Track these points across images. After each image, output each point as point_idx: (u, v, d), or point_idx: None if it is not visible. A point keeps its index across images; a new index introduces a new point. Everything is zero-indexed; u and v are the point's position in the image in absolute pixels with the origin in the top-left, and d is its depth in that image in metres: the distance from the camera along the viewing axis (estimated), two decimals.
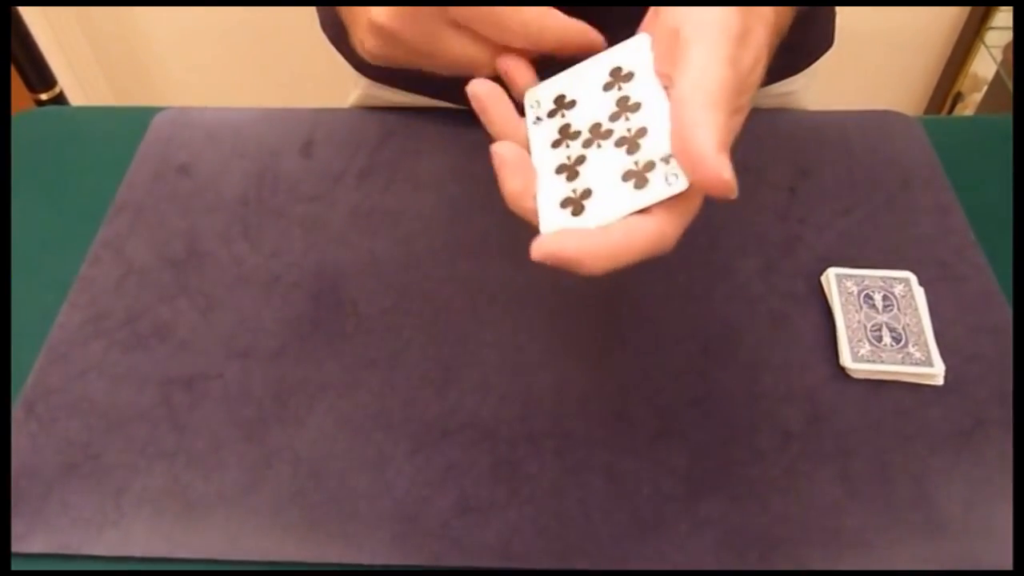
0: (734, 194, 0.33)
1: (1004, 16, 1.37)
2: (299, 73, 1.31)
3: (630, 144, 0.37)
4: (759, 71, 0.37)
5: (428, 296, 0.58)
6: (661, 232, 0.34)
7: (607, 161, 0.37)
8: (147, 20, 1.43)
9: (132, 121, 0.72)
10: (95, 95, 1.53)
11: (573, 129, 0.39)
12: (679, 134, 0.34)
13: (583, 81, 0.40)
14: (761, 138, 0.67)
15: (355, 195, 0.64)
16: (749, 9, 0.37)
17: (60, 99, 1.30)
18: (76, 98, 1.42)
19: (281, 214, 0.63)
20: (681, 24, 0.36)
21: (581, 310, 0.57)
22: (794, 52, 0.70)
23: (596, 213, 0.36)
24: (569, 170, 0.38)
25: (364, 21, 0.43)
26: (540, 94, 0.41)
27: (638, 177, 0.36)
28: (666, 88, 0.38)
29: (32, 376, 0.54)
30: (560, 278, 0.59)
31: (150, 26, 1.44)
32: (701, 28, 0.35)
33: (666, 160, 0.35)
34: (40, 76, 1.26)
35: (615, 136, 0.38)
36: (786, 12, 0.43)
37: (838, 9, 0.72)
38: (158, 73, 1.51)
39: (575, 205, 0.37)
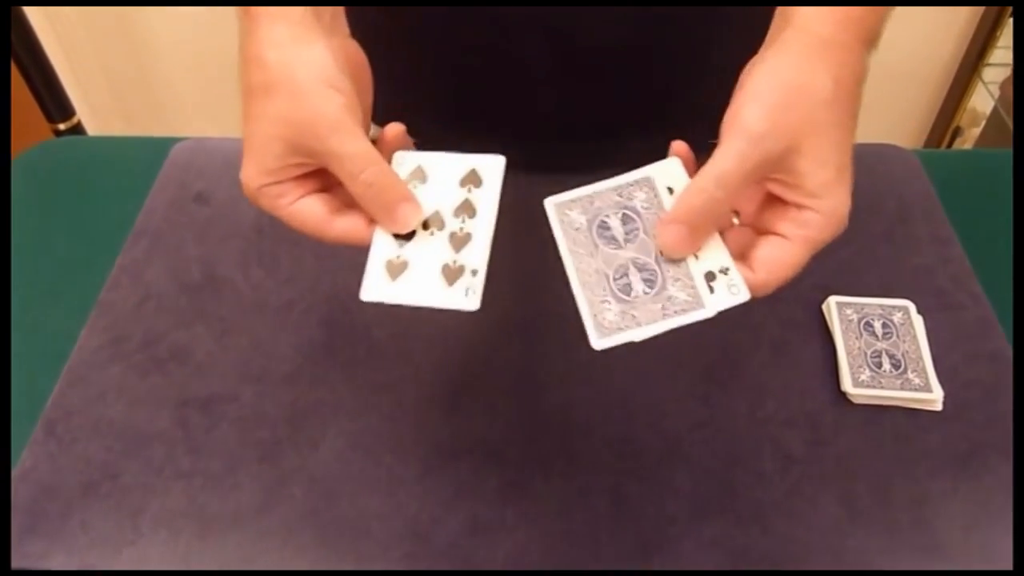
0: (664, 250, 0.39)
1: (1001, 53, 1.39)
2: None
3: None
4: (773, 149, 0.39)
5: (438, 322, 0.59)
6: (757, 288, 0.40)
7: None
8: (162, 52, 1.46)
9: (149, 150, 0.74)
10: (109, 124, 1.55)
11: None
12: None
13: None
14: None
15: None
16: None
17: (77, 129, 1.33)
18: (91, 127, 1.44)
19: (295, 242, 0.65)
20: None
21: (587, 336, 0.59)
22: None
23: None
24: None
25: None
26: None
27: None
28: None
29: (52, 398, 0.56)
30: (565, 306, 0.60)
31: (165, 58, 1.47)
32: (725, 130, 0.39)
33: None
34: (59, 106, 1.29)
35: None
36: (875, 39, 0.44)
37: None
38: (172, 103, 1.54)
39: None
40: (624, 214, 0.40)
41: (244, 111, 0.42)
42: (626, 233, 0.40)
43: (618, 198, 0.40)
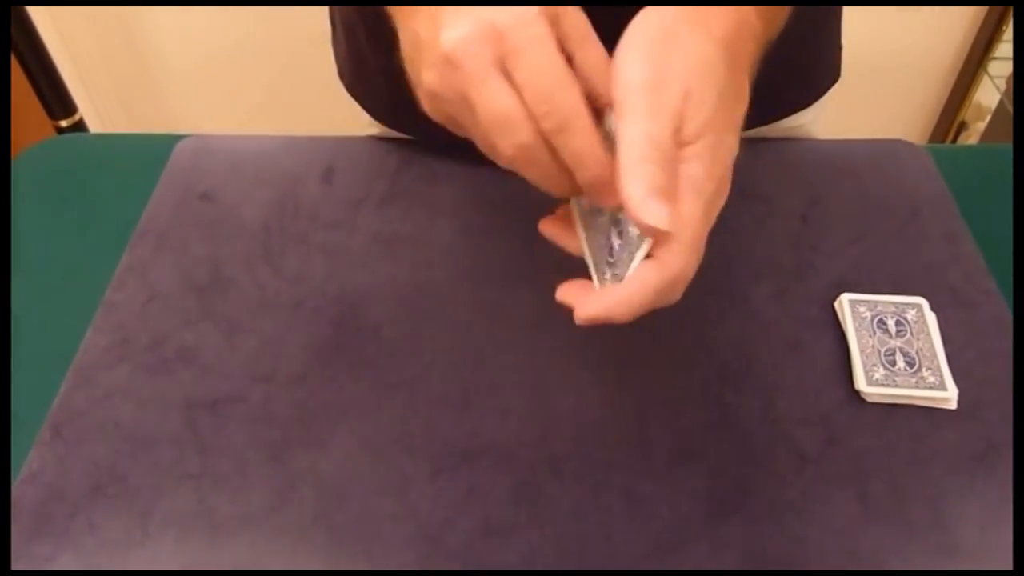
0: (664, 226, 0.37)
1: (1007, 46, 1.39)
2: (319, 102, 1.33)
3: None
4: (698, 106, 0.38)
5: (448, 320, 0.59)
6: (666, 267, 0.38)
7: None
8: (166, 48, 1.45)
9: (154, 148, 0.73)
10: (112, 122, 1.55)
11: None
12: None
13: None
14: (773, 167, 0.68)
15: (375, 221, 0.65)
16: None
17: (80, 126, 1.32)
18: (93, 125, 1.44)
19: (303, 240, 0.64)
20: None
21: (599, 335, 0.58)
22: (803, 87, 0.72)
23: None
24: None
25: (430, 54, 0.39)
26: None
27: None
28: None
29: (58, 399, 0.55)
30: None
31: (168, 54, 1.47)
32: (623, 92, 0.38)
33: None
34: (61, 103, 1.28)
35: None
36: (773, 18, 0.45)
37: (845, 41, 0.73)
38: (175, 100, 1.54)
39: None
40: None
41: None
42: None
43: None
